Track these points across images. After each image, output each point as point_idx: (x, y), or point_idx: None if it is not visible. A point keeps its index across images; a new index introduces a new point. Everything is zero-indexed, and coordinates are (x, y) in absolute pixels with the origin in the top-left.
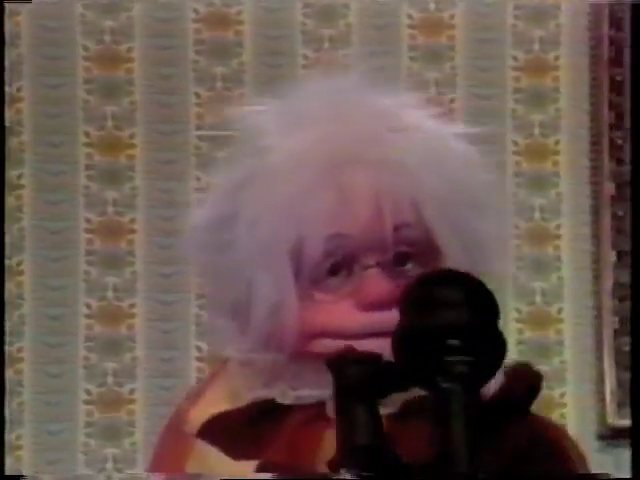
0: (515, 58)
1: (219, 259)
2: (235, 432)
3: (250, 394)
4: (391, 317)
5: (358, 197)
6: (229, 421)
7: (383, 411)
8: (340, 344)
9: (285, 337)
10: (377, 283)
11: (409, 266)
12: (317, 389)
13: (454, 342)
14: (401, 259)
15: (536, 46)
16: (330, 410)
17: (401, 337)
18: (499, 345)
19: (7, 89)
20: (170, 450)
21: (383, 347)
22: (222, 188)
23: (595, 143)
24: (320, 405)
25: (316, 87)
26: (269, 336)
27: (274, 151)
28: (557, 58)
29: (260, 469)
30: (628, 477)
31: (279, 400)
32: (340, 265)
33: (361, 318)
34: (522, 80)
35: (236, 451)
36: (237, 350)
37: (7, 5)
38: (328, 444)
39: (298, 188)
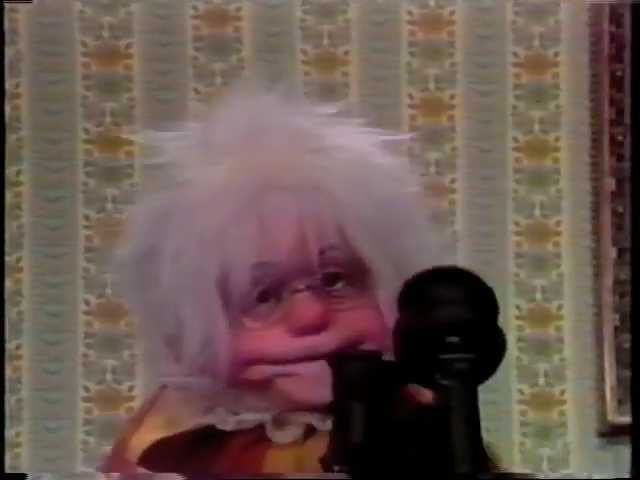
0: (515, 54)
1: (147, 294)
2: (176, 459)
3: (190, 420)
4: (324, 340)
5: (280, 223)
6: (170, 447)
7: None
8: (276, 370)
9: (219, 367)
10: (307, 307)
11: (338, 286)
12: (257, 413)
13: (453, 339)
14: (330, 280)
15: (536, 42)
16: (270, 432)
17: (400, 335)
18: (499, 342)
19: (6, 85)
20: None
21: (318, 371)
22: (142, 222)
23: (595, 139)
24: (260, 428)
25: (231, 112)
26: (204, 365)
27: (193, 183)
28: (557, 54)
29: None
30: (628, 477)
31: (219, 426)
32: (269, 292)
33: (293, 343)
34: (522, 76)
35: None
36: (174, 376)
37: (6, 3)
38: (270, 466)
39: (219, 219)
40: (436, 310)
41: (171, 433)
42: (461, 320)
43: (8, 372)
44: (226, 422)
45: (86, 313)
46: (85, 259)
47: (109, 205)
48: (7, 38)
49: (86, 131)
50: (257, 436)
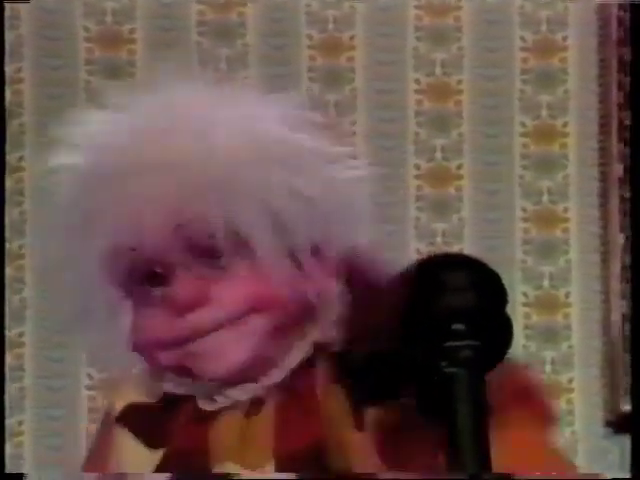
0: (523, 39)
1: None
2: (146, 419)
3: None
4: (206, 315)
5: (141, 205)
6: (140, 410)
7: None
8: (175, 353)
9: (122, 352)
10: (184, 286)
11: (221, 261)
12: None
13: (459, 327)
14: (209, 254)
15: (544, 27)
16: (202, 404)
17: (406, 322)
18: (505, 330)
19: (7, 70)
20: (99, 438)
21: (207, 347)
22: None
23: (603, 125)
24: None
25: (141, 98)
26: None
27: (75, 165)
28: (565, 39)
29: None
30: (628, 477)
31: (173, 390)
32: (148, 275)
33: (178, 323)
34: (530, 61)
35: (147, 438)
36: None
37: (6, 3)
38: (215, 437)
39: (88, 204)
40: (442, 297)
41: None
42: (467, 307)
43: (10, 360)
44: (178, 387)
45: None
46: None
47: None
48: (9, 23)
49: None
50: (194, 407)
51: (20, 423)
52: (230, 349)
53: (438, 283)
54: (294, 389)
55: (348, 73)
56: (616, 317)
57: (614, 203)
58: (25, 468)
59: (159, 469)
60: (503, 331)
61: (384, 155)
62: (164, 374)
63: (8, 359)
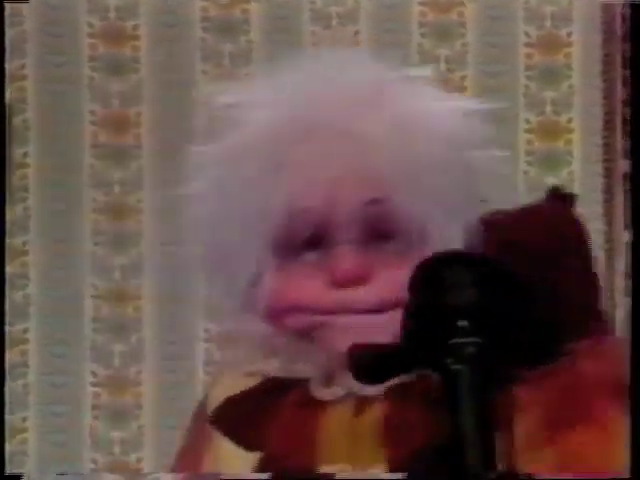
0: (527, 34)
1: (207, 233)
2: (242, 419)
3: (252, 367)
4: (360, 294)
5: (324, 172)
6: (234, 407)
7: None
8: (312, 320)
9: (262, 309)
10: (347, 260)
11: (387, 243)
12: (306, 365)
13: (464, 323)
14: (377, 236)
15: (548, 22)
16: (315, 390)
17: (410, 318)
18: (509, 327)
19: (10, 67)
20: (191, 439)
21: (352, 324)
22: (203, 162)
23: (608, 120)
24: (306, 385)
25: (312, 61)
26: (250, 308)
27: (250, 125)
28: (570, 34)
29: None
30: (628, 477)
31: (278, 374)
32: (314, 240)
33: (329, 295)
34: (534, 57)
35: (244, 440)
36: (237, 324)
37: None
38: (324, 430)
39: (269, 163)
40: (447, 294)
41: (238, 388)
42: (471, 304)
43: (14, 356)
44: (286, 370)
45: (94, 297)
46: (93, 243)
47: (117, 188)
48: (12, 20)
49: (93, 113)
50: (304, 393)
51: (24, 420)
52: (374, 333)
53: (443, 280)
54: (410, 387)
55: None
56: (620, 314)
57: (619, 199)
58: (29, 465)
59: (259, 469)
60: (507, 328)
61: None
62: (280, 348)
63: (12, 355)
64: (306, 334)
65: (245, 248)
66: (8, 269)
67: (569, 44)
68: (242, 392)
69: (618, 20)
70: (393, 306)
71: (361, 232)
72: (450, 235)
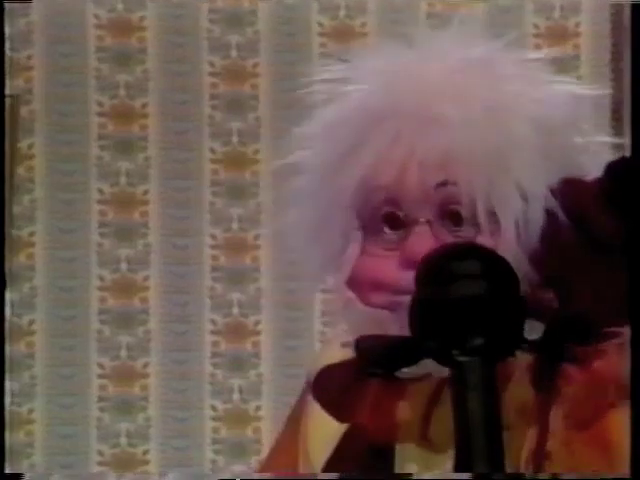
0: (535, 26)
1: (301, 207)
2: (335, 390)
3: (348, 339)
4: None
5: (402, 151)
6: (331, 377)
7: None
8: (389, 298)
9: (349, 284)
10: (422, 241)
11: (462, 227)
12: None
13: (471, 315)
14: (454, 220)
15: (557, 13)
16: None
17: (418, 310)
18: (517, 318)
19: (17, 58)
20: (296, 405)
21: None
22: (305, 135)
23: (616, 111)
24: None
25: (424, 39)
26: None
27: (347, 100)
28: (578, 25)
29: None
30: (628, 477)
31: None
32: (393, 219)
33: (403, 275)
34: (542, 48)
35: (335, 411)
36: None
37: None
38: (403, 409)
39: (358, 138)
40: (454, 286)
41: (335, 359)
42: (479, 296)
43: (21, 348)
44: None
45: (100, 289)
46: (99, 234)
47: (123, 179)
48: (19, 11)
49: (99, 104)
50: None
51: (30, 411)
52: None
53: (450, 272)
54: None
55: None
56: None
57: None
58: (35, 457)
59: (342, 443)
60: (515, 320)
61: None
62: (366, 322)
63: (18, 347)
64: (388, 311)
65: (334, 220)
66: (14, 261)
67: (577, 35)
68: (337, 363)
69: (626, 10)
70: None
71: (435, 214)
72: (526, 220)
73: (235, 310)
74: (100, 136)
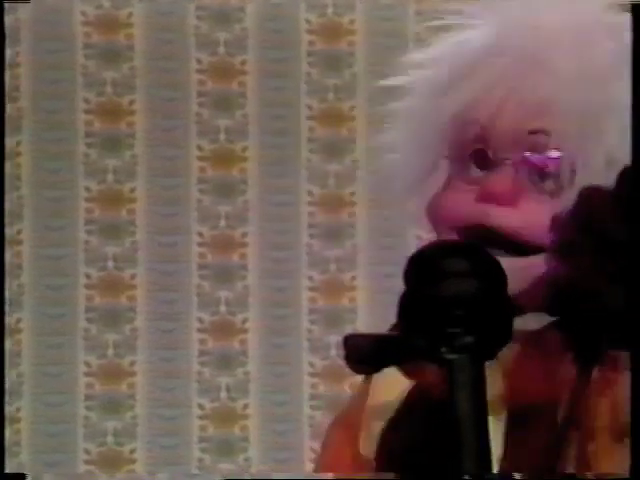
0: None
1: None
2: None
3: None
4: (505, 213)
5: (509, 89)
6: None
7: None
8: (457, 233)
9: (430, 216)
10: (503, 180)
11: (546, 184)
12: None
13: (460, 313)
14: (540, 173)
15: None
16: None
17: (406, 308)
18: (506, 316)
19: (5, 54)
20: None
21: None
22: (415, 63)
23: None
24: None
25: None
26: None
27: (462, 31)
28: None
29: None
30: (628, 477)
31: None
32: (480, 157)
33: (476, 207)
34: None
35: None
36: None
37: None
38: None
39: (466, 69)
40: (443, 283)
41: None
42: (467, 293)
43: (8, 346)
44: None
45: (87, 286)
46: (86, 232)
47: (110, 176)
48: (7, 8)
49: (87, 101)
50: None
51: (18, 410)
52: (514, 276)
53: (439, 269)
54: (540, 340)
55: (347, 57)
56: None
57: None
58: (22, 455)
59: (407, 397)
60: (504, 318)
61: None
62: None
63: (6, 345)
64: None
65: (427, 144)
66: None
67: None
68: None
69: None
70: (536, 249)
71: (523, 161)
72: (601, 182)
73: (222, 308)
74: (87, 133)
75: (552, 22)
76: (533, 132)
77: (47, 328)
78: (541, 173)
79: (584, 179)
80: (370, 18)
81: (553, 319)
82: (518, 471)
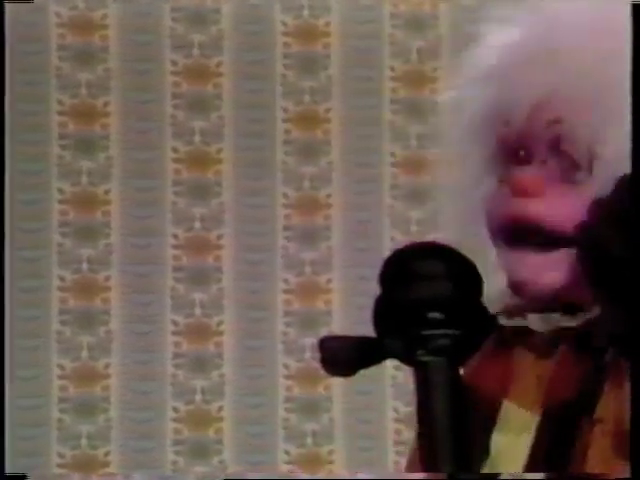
0: None
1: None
2: None
3: None
4: (534, 205)
5: (524, 88)
6: None
7: None
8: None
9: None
10: (528, 174)
11: (579, 175)
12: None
13: (435, 315)
14: (569, 163)
15: None
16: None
17: (381, 310)
18: (482, 318)
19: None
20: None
21: (525, 260)
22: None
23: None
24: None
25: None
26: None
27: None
28: None
29: None
30: (628, 477)
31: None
32: (513, 154)
33: (509, 202)
34: None
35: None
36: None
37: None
38: (518, 369)
39: (490, 73)
40: (417, 285)
41: None
42: (443, 296)
43: None
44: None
45: (61, 289)
46: (60, 234)
47: (84, 178)
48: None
49: (60, 102)
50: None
51: None
52: (545, 270)
53: (413, 271)
54: (580, 337)
55: (323, 60)
56: None
57: None
58: None
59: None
60: (479, 320)
61: (359, 143)
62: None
63: None
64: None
65: (474, 152)
66: None
67: None
68: None
69: None
70: (565, 242)
71: (549, 154)
72: (617, 170)
73: (197, 310)
74: (61, 135)
75: (567, 13)
76: (551, 123)
77: (21, 330)
78: (572, 167)
79: (607, 168)
80: (346, 20)
81: (589, 316)
82: (546, 470)
